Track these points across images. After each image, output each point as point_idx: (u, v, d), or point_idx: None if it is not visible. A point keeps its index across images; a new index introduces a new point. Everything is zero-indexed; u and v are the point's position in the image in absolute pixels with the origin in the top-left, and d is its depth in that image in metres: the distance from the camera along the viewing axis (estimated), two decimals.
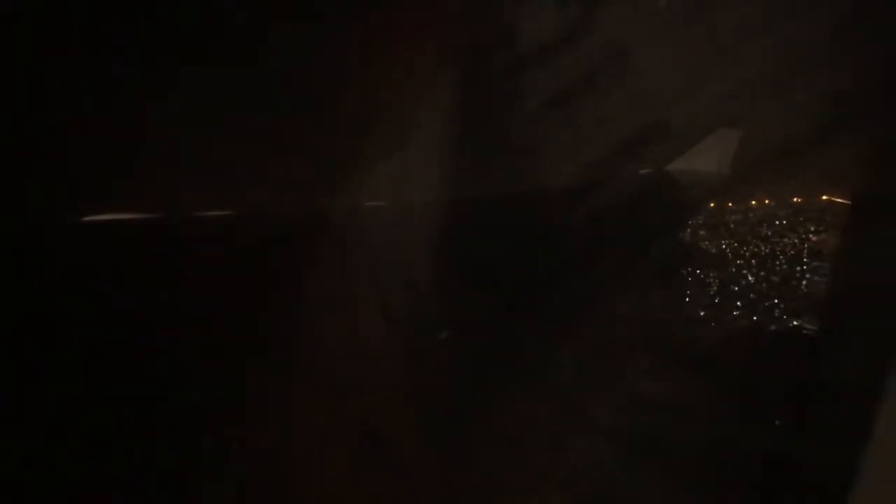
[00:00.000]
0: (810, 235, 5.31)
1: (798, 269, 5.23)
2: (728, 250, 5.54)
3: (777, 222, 5.54)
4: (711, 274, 5.27)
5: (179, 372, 2.35)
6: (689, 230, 5.28)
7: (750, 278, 5.29)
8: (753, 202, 5.45)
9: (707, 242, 5.48)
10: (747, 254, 5.50)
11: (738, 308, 5.03)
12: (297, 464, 2.50)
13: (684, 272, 5.20)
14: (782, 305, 4.96)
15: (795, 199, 5.36)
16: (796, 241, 5.40)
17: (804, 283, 5.06)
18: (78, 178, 2.47)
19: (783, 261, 5.37)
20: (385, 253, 3.04)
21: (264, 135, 2.90)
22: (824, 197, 5.12)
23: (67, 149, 2.41)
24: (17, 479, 1.96)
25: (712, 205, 5.27)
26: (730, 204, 5.40)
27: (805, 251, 5.29)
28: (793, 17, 3.18)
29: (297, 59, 2.83)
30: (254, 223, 3.01)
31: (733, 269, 5.42)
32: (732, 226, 5.62)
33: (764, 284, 5.20)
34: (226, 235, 2.82)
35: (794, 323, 4.72)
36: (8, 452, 1.94)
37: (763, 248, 5.52)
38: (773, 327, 4.80)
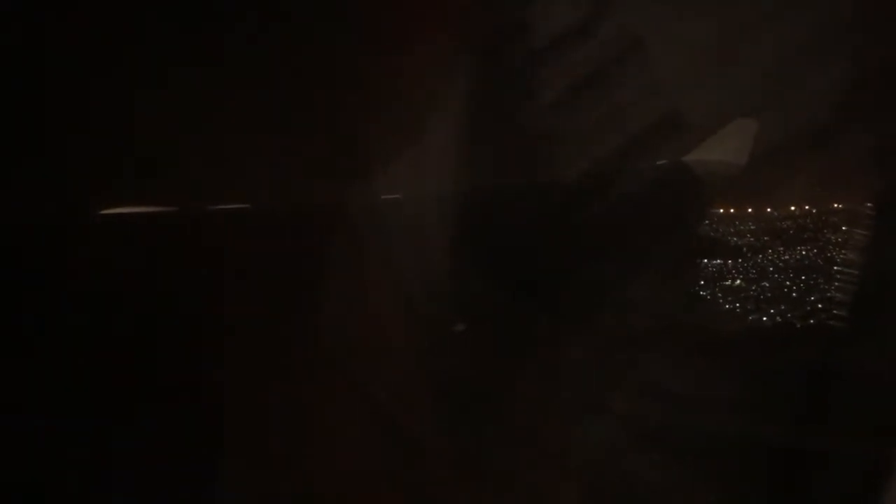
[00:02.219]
0: (833, 234, 5.28)
1: (821, 264, 5.21)
2: (749, 244, 5.52)
3: (800, 221, 5.52)
4: (730, 263, 5.26)
5: (197, 364, 2.36)
6: (709, 223, 5.26)
7: (771, 272, 5.27)
8: (777, 198, 5.43)
9: (728, 236, 5.46)
10: (769, 249, 5.48)
11: (758, 300, 5.01)
12: (317, 453, 2.52)
13: (702, 263, 5.18)
14: (804, 298, 4.93)
15: (821, 201, 5.34)
16: (820, 238, 5.37)
17: (826, 278, 5.03)
18: (94, 172, 2.50)
19: (807, 256, 5.34)
20: (402, 245, 3.06)
21: (280, 129, 2.93)
22: (843, 198, 5.10)
23: (83, 144, 2.45)
24: (27, 474, 1.97)
25: (750, 210, 5.26)
26: (768, 209, 5.40)
27: (828, 249, 5.27)
28: (807, 7, 3.16)
29: (314, 54, 2.86)
30: (271, 216, 3.04)
31: (752, 263, 5.40)
32: (753, 223, 5.60)
33: (786, 278, 5.18)
34: (243, 229, 2.85)
35: (816, 316, 4.69)
36: (18, 445, 1.95)
37: (787, 244, 5.50)
38: (794, 319, 4.77)
